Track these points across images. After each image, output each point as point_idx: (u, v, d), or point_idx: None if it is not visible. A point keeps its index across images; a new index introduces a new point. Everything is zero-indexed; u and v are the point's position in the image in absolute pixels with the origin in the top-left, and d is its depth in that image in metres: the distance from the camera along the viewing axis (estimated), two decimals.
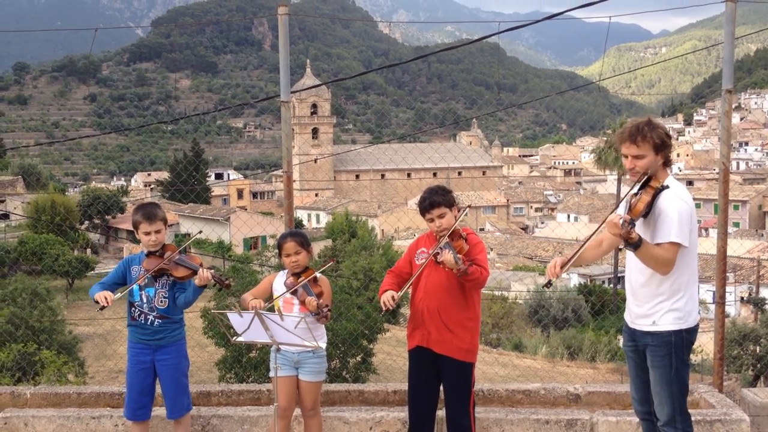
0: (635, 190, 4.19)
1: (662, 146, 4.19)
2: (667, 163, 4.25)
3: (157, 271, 4.92)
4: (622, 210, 4.17)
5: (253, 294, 5.04)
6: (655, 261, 4.11)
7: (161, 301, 4.99)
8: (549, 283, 4.30)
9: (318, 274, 5.02)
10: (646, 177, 4.17)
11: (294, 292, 4.92)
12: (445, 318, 4.84)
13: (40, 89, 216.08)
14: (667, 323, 4.21)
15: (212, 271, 4.99)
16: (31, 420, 5.54)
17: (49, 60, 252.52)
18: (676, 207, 4.10)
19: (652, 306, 4.25)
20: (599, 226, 4.23)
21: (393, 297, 4.79)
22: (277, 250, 5.20)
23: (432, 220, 4.84)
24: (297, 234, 5.13)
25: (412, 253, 5.07)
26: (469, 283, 4.74)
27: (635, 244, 4.00)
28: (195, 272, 4.93)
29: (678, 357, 4.23)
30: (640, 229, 4.24)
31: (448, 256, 4.58)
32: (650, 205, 4.15)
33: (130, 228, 5.20)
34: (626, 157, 4.26)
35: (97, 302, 4.83)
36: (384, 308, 4.81)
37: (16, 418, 5.55)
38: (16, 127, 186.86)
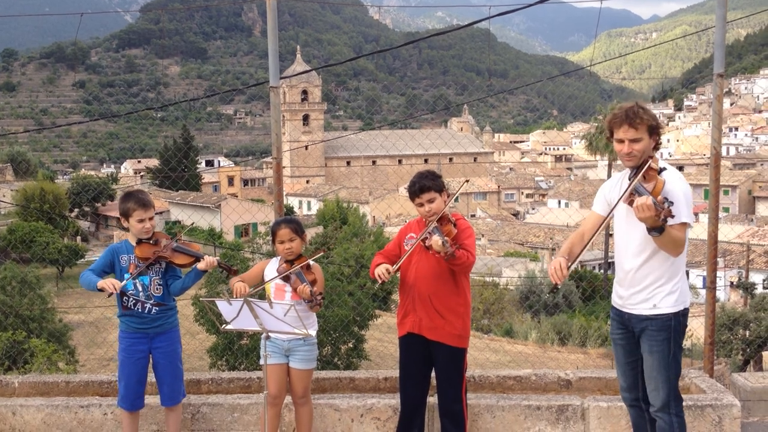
0: (635, 174, 4.11)
1: (656, 128, 4.16)
2: (656, 146, 4.21)
3: (154, 258, 4.88)
4: (625, 198, 4.07)
5: (242, 278, 5.01)
6: (674, 243, 4.04)
7: (157, 289, 4.97)
8: (556, 288, 4.19)
9: (311, 262, 4.99)
10: (643, 161, 4.11)
11: (287, 279, 4.88)
12: (436, 304, 4.83)
13: (28, 76, 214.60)
14: (667, 306, 4.19)
15: (217, 257, 4.97)
16: (19, 409, 5.51)
17: (37, 47, 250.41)
18: (681, 187, 4.08)
19: (652, 289, 4.21)
20: (606, 217, 4.20)
21: (388, 270, 4.75)
22: (269, 237, 5.17)
23: (421, 205, 4.81)
24: (291, 221, 5.09)
25: (401, 237, 5.05)
26: (456, 267, 4.72)
27: (661, 228, 3.91)
28: (197, 259, 4.91)
29: (675, 341, 4.24)
30: (630, 211, 4.21)
31: (435, 239, 4.56)
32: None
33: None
34: (621, 141, 4.15)
35: (101, 290, 4.78)
36: (379, 280, 4.77)
37: (4, 407, 5.52)
38: (5, 114, 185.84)
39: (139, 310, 4.95)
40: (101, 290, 4.79)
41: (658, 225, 3.89)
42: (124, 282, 4.84)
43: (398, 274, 5.02)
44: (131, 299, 4.95)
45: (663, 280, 4.20)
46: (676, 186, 4.08)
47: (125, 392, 5.02)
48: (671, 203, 3.87)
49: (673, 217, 3.88)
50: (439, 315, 4.83)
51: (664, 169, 4.10)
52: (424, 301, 4.85)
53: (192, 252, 4.96)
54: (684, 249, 4.12)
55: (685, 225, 4.06)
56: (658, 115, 4.27)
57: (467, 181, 4.79)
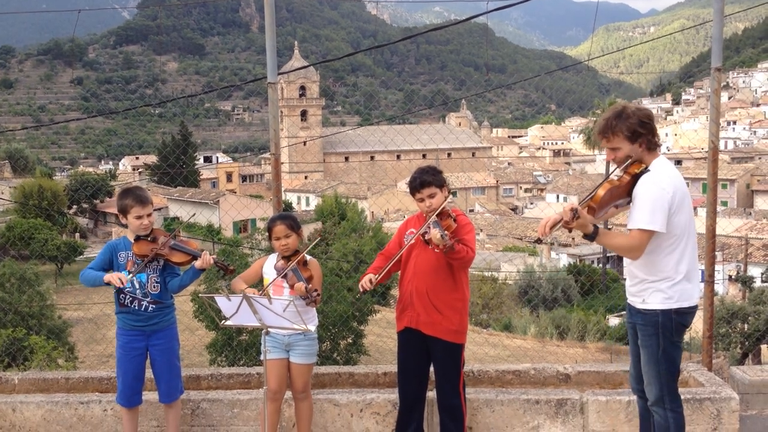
0: (613, 176, 4.18)
1: (635, 136, 4.14)
2: (651, 147, 4.19)
3: (152, 256, 4.87)
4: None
5: (243, 278, 5.02)
6: (617, 249, 4.17)
7: (154, 286, 4.95)
8: (539, 240, 4.27)
9: (308, 257, 4.99)
10: (629, 162, 4.16)
11: (284, 276, 4.89)
12: (433, 299, 4.84)
13: (26, 73, 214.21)
14: (655, 302, 4.21)
15: (214, 256, 4.97)
16: (19, 406, 5.51)
17: (34, 43, 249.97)
18: (649, 193, 4.06)
19: (643, 285, 4.26)
20: (584, 199, 4.19)
21: (371, 280, 4.84)
22: (267, 233, 5.18)
23: (422, 200, 4.82)
24: (286, 217, 5.09)
25: (401, 234, 5.06)
26: (455, 261, 4.73)
27: (589, 236, 4.02)
28: (194, 257, 4.90)
29: (666, 337, 4.22)
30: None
31: (434, 232, 4.57)
32: (631, 190, 4.13)
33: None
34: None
35: (108, 284, 4.80)
36: (361, 290, 4.86)
37: (4, 404, 5.52)
38: (2, 111, 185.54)
39: (136, 308, 4.93)
40: (108, 284, 4.80)
41: (587, 232, 4.00)
42: (130, 277, 4.83)
43: (398, 271, 5.05)
44: (128, 297, 4.94)
45: (654, 276, 4.21)
46: (642, 189, 4.09)
47: (122, 388, 5.02)
48: (575, 214, 3.90)
49: (571, 227, 3.93)
50: (437, 310, 4.84)
51: (647, 170, 4.13)
52: (421, 296, 4.86)
53: (189, 250, 4.94)
54: (639, 254, 4.11)
55: (643, 232, 4.06)
56: (655, 110, 4.23)
57: (446, 201, 4.82)
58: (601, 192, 4.06)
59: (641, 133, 4.14)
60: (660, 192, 4.06)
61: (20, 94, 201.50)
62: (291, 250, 4.98)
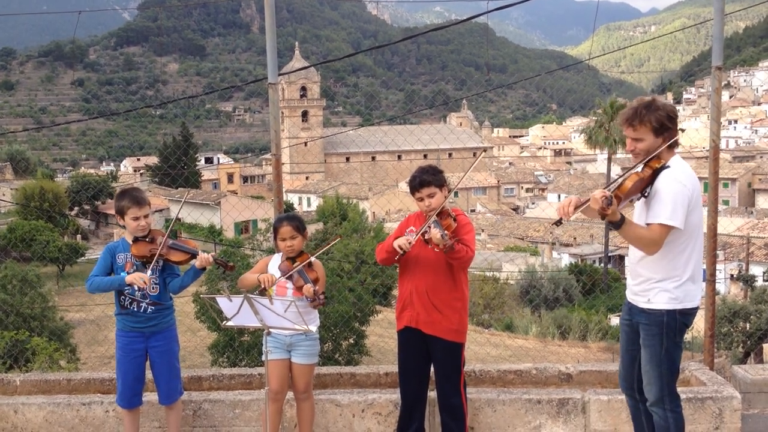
0: (638, 168, 4.15)
1: (662, 129, 4.13)
2: (672, 144, 4.19)
3: (150, 257, 4.86)
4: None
5: (253, 273, 5.02)
6: (639, 241, 4.11)
7: (153, 288, 4.94)
8: (559, 222, 4.19)
9: (313, 259, 5.00)
10: (648, 157, 4.14)
11: (289, 277, 4.89)
12: (433, 298, 4.84)
13: (27, 74, 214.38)
14: (660, 302, 4.20)
15: (213, 253, 4.96)
16: (21, 407, 5.51)
17: (35, 45, 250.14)
18: (672, 188, 4.05)
19: (649, 284, 4.24)
20: (618, 182, 4.14)
21: (409, 241, 4.69)
22: (269, 234, 5.20)
23: (422, 199, 4.83)
24: (293, 218, 5.11)
25: (401, 231, 5.05)
26: (454, 261, 4.74)
27: (616, 224, 3.98)
28: (193, 256, 4.90)
29: (669, 338, 4.22)
30: (640, 209, 4.23)
31: (434, 232, 4.57)
32: (648, 185, 4.12)
33: None
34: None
35: (130, 285, 4.80)
36: (399, 251, 4.69)
37: (6, 406, 5.52)
38: (3, 113, 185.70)
39: (135, 309, 4.93)
40: (129, 285, 4.80)
41: (615, 219, 3.95)
42: (148, 272, 4.82)
43: (398, 270, 5.04)
44: (127, 298, 4.93)
45: (659, 276, 4.20)
46: (664, 184, 4.08)
47: (122, 390, 5.02)
48: (609, 202, 3.87)
49: (606, 213, 3.89)
50: (436, 310, 4.84)
51: (667, 167, 4.12)
52: (421, 296, 4.86)
53: (188, 249, 4.94)
54: (657, 249, 4.09)
55: (664, 226, 4.05)
56: (675, 111, 4.15)
57: (478, 158, 4.75)
58: (628, 183, 4.05)
59: (668, 127, 4.15)
60: (681, 188, 4.07)
61: (21, 96, 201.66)
62: (296, 251, 4.99)
